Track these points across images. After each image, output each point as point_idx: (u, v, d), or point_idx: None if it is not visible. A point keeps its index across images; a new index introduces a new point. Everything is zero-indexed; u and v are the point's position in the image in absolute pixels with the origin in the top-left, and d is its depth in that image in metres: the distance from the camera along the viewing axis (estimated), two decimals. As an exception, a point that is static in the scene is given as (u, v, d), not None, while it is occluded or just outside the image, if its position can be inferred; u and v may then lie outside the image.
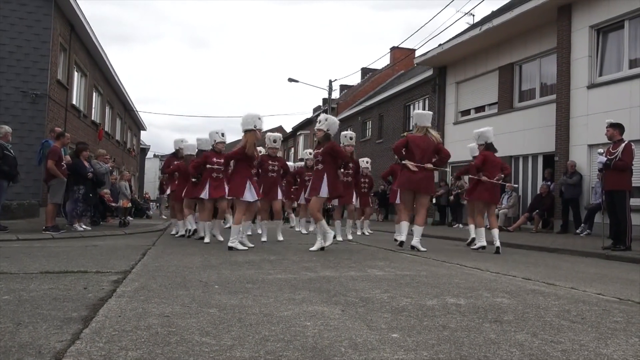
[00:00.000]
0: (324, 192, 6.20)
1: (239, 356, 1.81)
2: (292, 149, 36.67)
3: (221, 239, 7.52)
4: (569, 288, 3.67)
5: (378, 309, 2.71)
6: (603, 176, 7.04)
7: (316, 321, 2.38)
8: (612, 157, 6.74)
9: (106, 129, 20.96)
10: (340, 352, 1.89)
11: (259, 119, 6.33)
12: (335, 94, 29.89)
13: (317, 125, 6.38)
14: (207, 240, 7.38)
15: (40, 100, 12.75)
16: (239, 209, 6.36)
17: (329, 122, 6.36)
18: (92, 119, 18.48)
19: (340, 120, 27.41)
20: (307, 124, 33.72)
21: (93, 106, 18.72)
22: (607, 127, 7.00)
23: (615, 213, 6.85)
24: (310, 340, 2.05)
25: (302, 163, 11.13)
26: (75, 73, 16.13)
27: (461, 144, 12.82)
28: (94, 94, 18.91)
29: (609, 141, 7.07)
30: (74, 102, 15.67)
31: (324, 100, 30.33)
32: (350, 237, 8.38)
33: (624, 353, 1.98)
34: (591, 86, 11.11)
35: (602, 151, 7.00)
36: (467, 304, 2.93)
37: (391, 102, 21.46)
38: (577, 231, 10.58)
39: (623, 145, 6.73)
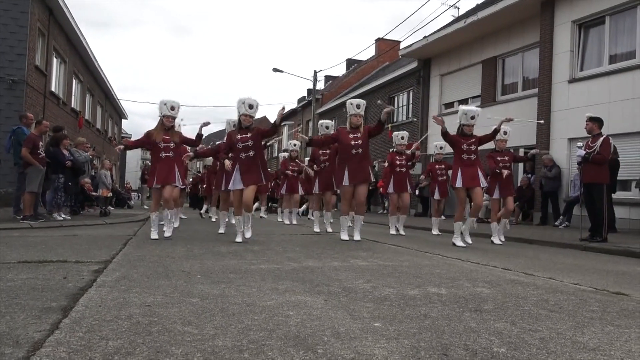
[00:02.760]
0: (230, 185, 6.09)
1: (221, 345, 1.81)
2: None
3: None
4: (547, 278, 3.74)
5: (361, 299, 2.73)
6: (582, 169, 7.18)
7: (299, 311, 2.39)
8: (591, 150, 6.87)
9: (86, 117, 20.58)
10: (322, 341, 1.90)
11: (165, 104, 6.15)
12: (320, 85, 29.82)
13: (249, 111, 5.95)
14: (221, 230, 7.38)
15: (17, 87, 12.45)
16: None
17: (258, 107, 6.08)
18: (72, 106, 18.12)
19: (325, 111, 27.57)
20: (292, 114, 33.59)
21: (73, 93, 18.34)
22: (586, 121, 7.12)
23: (593, 206, 6.99)
24: (293, 329, 2.05)
25: (286, 154, 11.08)
26: (54, 59, 15.76)
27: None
28: (74, 81, 18.52)
29: (588, 135, 7.20)
30: (52, 89, 15.33)
31: (309, 90, 30.22)
32: (329, 229, 8.36)
33: (599, 341, 2.03)
34: (572, 81, 11.27)
35: (581, 145, 7.12)
36: (448, 293, 2.97)
37: (376, 93, 21.48)
38: (556, 223, 10.79)
39: (602, 139, 6.86)
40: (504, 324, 2.26)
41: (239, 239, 5.87)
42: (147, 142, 6.20)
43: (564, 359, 1.77)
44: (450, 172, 9.11)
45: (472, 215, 6.83)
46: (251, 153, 5.92)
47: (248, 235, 6.04)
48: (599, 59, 10.96)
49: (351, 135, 6.49)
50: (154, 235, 6.05)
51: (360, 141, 6.43)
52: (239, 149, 5.92)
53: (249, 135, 5.94)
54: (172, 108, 6.17)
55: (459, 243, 6.32)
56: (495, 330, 2.14)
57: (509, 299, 2.84)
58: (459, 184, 6.38)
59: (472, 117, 6.49)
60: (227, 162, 5.92)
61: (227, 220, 7.86)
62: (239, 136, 5.93)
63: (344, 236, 6.59)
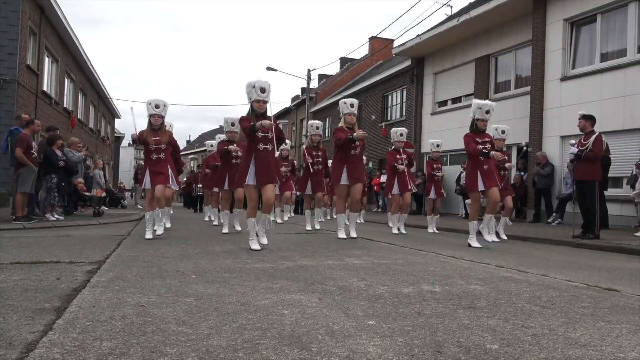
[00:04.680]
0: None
1: (216, 345, 1.81)
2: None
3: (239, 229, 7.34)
4: (539, 275, 3.77)
5: (355, 297, 2.73)
6: (574, 167, 7.22)
7: (293, 309, 2.40)
8: (584, 148, 6.92)
9: (79, 117, 20.45)
10: (317, 339, 1.91)
11: (150, 104, 6.03)
12: (314, 84, 29.79)
13: (262, 96, 5.19)
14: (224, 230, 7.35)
15: (8, 86, 12.34)
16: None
17: (270, 89, 5.32)
18: (64, 106, 18.00)
19: (318, 109, 27.55)
20: (286, 113, 33.54)
21: (65, 93, 18.21)
22: (579, 119, 7.17)
23: (586, 203, 7.04)
24: (287, 328, 2.06)
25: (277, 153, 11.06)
26: (46, 58, 15.65)
27: (438, 135, 12.96)
28: (66, 80, 18.39)
29: (580, 132, 7.25)
30: (44, 89, 15.22)
31: (303, 89, 30.17)
32: (317, 226, 8.39)
33: (591, 337, 2.05)
34: (564, 78, 11.34)
35: (574, 142, 7.17)
36: (442, 291, 2.98)
37: (369, 92, 21.50)
38: (549, 220, 10.86)
39: (594, 136, 6.90)
40: (497, 320, 2.28)
41: (255, 246, 5.05)
42: (141, 139, 6.19)
43: (556, 355, 1.79)
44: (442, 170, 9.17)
45: (489, 212, 6.77)
46: (269, 146, 5.19)
47: (265, 241, 5.24)
48: (591, 57, 11.03)
49: (349, 135, 6.50)
50: (149, 235, 6.03)
51: (357, 142, 6.50)
52: (258, 138, 5.12)
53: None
54: (157, 106, 6.06)
55: (475, 244, 6.01)
56: (489, 327, 2.16)
57: (502, 296, 2.86)
58: (480, 187, 6.05)
59: (487, 112, 6.14)
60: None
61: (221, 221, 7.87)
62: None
63: (341, 234, 6.62)
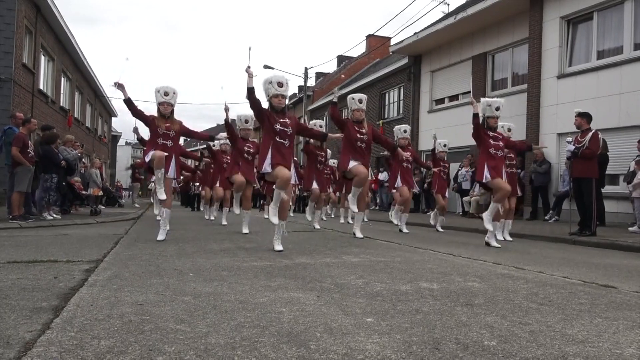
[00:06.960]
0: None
1: (214, 343, 1.81)
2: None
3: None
4: (537, 272, 3.78)
5: (353, 295, 2.74)
6: (571, 164, 7.24)
7: (292, 307, 2.40)
8: (580, 145, 6.94)
9: (76, 116, 20.39)
10: (315, 337, 1.91)
11: (158, 92, 5.77)
12: (311, 82, 29.75)
13: (281, 90, 4.91)
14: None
15: (4, 85, 12.30)
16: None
17: (288, 84, 5.07)
18: (61, 104, 17.94)
19: (316, 108, 27.53)
20: (283, 111, 33.45)
21: (62, 92, 18.15)
22: (575, 117, 7.19)
23: (582, 200, 7.07)
24: (285, 326, 2.06)
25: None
26: (42, 57, 15.59)
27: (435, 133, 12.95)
28: (62, 78, 18.33)
29: (577, 130, 7.27)
30: (41, 87, 15.16)
31: (300, 87, 30.16)
32: (317, 226, 8.36)
33: (588, 333, 2.06)
34: (561, 76, 11.36)
35: (570, 140, 7.19)
36: (440, 288, 2.99)
37: (367, 90, 21.47)
38: (546, 218, 10.89)
39: (590, 134, 6.92)
40: (494, 317, 2.28)
41: (278, 247, 4.81)
42: (147, 119, 5.88)
43: (553, 351, 1.80)
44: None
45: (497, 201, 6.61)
46: (287, 142, 4.93)
47: (280, 247, 4.84)
48: (587, 55, 11.06)
49: (357, 128, 6.31)
50: (162, 236, 5.67)
51: (365, 136, 6.29)
52: (277, 131, 4.86)
53: (288, 121, 4.95)
54: (166, 94, 5.77)
55: (494, 244, 5.82)
56: (486, 323, 2.16)
57: (500, 293, 2.87)
58: (486, 178, 5.84)
59: (497, 108, 5.98)
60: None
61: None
62: (277, 118, 4.86)
63: (354, 207, 6.45)
